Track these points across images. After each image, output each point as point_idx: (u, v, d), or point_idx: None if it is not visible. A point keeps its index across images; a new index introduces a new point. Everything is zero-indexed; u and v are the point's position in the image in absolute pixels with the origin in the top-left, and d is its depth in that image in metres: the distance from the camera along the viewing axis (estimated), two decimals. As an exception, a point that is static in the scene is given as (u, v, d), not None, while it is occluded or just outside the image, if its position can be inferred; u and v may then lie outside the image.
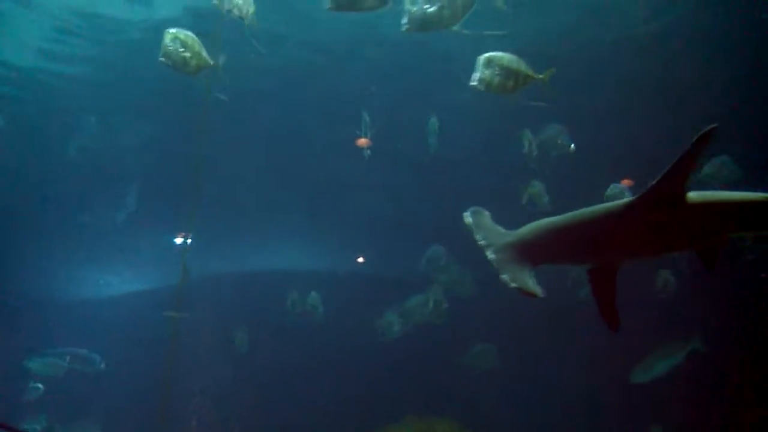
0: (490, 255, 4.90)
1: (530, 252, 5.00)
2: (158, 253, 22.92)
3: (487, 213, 5.47)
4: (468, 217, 5.26)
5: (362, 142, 13.63)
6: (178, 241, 21.61)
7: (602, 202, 5.35)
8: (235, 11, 8.77)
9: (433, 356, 17.72)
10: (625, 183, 9.85)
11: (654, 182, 4.82)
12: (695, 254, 5.36)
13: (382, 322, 15.23)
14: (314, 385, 18.27)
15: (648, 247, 5.30)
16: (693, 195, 4.98)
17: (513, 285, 4.63)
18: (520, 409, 16.95)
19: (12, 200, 19.11)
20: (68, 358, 18.17)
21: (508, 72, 8.12)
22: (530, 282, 4.73)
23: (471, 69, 8.20)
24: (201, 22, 11.21)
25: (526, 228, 5.23)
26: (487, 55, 8.20)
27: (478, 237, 5.08)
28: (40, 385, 17.52)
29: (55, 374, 17.80)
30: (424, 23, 7.70)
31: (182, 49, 8.73)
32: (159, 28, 9.19)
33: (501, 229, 5.27)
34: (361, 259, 22.63)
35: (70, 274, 24.52)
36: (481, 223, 5.30)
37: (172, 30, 8.82)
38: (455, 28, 7.90)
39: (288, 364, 18.58)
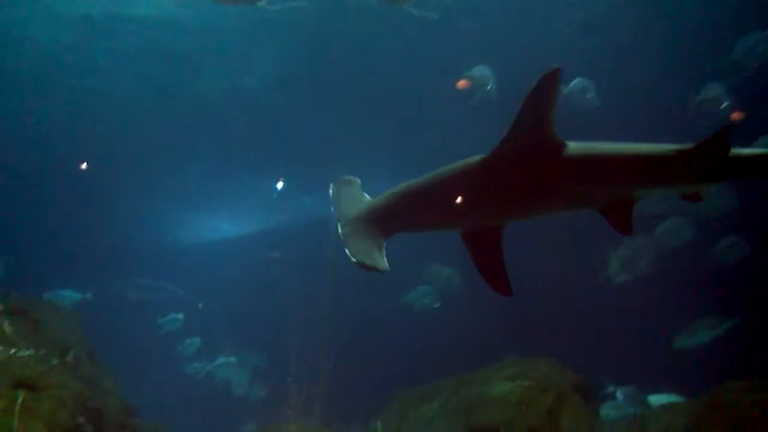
0: (339, 228, 4.57)
1: (383, 221, 4.62)
2: (264, 197, 23.86)
3: (357, 182, 5.13)
4: (331, 188, 4.98)
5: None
6: (279, 185, 22.34)
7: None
8: None
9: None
10: None
11: (506, 133, 4.43)
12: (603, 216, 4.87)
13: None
14: (422, 330, 18.48)
15: (519, 204, 4.83)
16: (573, 146, 4.58)
17: (353, 260, 4.25)
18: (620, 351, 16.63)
19: (130, 149, 20.19)
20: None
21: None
22: (374, 256, 4.31)
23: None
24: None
25: (380, 196, 4.84)
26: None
27: (333, 209, 4.81)
28: (179, 316, 18.65)
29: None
30: None
31: None
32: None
33: (365, 199, 4.95)
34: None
35: (181, 220, 25.84)
36: (341, 194, 4.97)
37: None
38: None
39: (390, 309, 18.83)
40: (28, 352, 9.61)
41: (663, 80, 14.41)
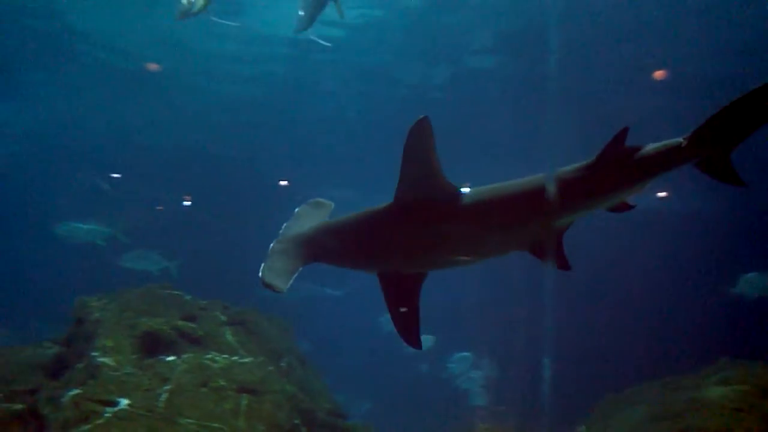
0: (272, 243, 4.66)
1: (309, 249, 4.63)
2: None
3: (328, 206, 5.12)
4: (298, 208, 5.05)
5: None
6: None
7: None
8: None
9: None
10: None
11: (397, 184, 4.34)
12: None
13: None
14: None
15: (423, 253, 4.60)
16: (467, 192, 4.45)
17: (259, 275, 4.28)
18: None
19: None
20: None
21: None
22: (279, 277, 4.29)
23: None
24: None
25: (316, 225, 4.84)
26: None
27: (283, 225, 4.87)
28: None
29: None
30: None
31: None
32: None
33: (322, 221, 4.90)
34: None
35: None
36: (302, 214, 5.03)
37: None
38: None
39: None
40: (248, 359, 10.56)
41: None
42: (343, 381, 21.82)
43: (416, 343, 4.75)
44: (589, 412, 12.64)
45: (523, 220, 4.55)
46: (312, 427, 10.29)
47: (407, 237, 4.58)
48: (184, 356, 10.13)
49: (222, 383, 9.56)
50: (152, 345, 10.25)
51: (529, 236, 4.59)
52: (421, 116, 4.12)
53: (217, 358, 10.28)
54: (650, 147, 4.55)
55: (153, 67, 18.84)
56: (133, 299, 11.45)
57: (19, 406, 10.25)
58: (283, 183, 23.74)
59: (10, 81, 20.92)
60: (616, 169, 4.49)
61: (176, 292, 12.19)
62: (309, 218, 4.99)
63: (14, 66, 19.75)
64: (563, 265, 4.66)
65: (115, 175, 25.95)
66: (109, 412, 8.57)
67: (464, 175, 4.75)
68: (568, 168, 4.57)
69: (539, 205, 4.46)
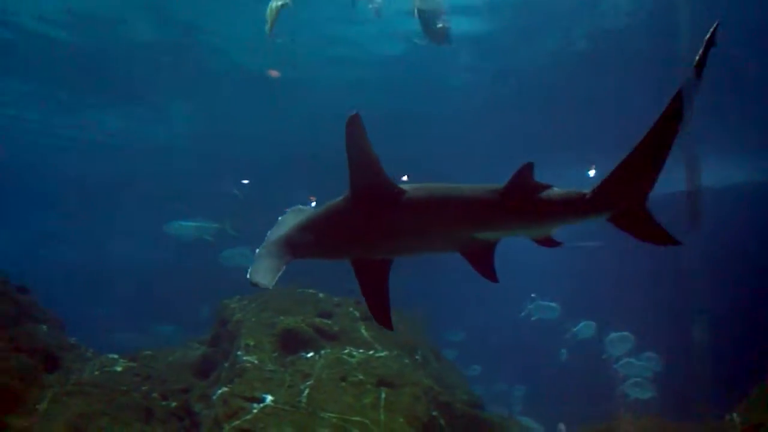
0: (257, 249, 4.92)
1: (290, 246, 4.88)
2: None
3: (308, 210, 5.28)
4: (281, 216, 5.27)
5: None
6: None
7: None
8: None
9: None
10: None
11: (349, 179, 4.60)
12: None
13: None
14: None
15: (380, 243, 4.82)
16: (409, 189, 4.64)
17: (248, 276, 4.52)
18: None
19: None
20: None
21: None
22: (265, 275, 4.55)
23: None
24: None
25: (295, 223, 5.07)
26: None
27: (268, 233, 5.10)
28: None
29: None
30: None
31: None
32: None
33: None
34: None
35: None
36: (283, 221, 5.24)
37: None
38: None
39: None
40: (383, 353, 10.73)
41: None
42: (498, 368, 22.20)
43: (388, 324, 5.00)
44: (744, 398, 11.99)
45: (447, 225, 4.72)
46: (450, 418, 10.31)
47: (359, 227, 4.83)
48: (323, 352, 10.44)
49: (360, 377, 9.76)
50: (291, 342, 10.62)
51: (458, 242, 4.76)
52: (353, 112, 4.29)
53: (354, 352, 10.51)
54: (555, 191, 4.55)
55: (274, 73, 19.42)
56: (270, 299, 11.91)
57: (174, 404, 10.92)
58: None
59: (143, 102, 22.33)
60: (522, 203, 4.55)
61: (310, 291, 12.56)
62: (290, 222, 5.24)
63: (149, 88, 21.01)
64: (490, 276, 4.82)
65: (245, 182, 27.10)
66: (255, 408, 8.96)
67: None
68: (488, 187, 4.66)
69: (469, 215, 4.64)
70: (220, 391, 9.49)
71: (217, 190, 26.69)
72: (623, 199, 4.42)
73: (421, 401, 9.82)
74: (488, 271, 4.81)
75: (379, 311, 5.00)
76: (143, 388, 11.23)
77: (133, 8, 16.50)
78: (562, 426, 19.37)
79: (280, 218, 5.34)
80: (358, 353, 10.54)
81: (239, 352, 10.26)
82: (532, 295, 19.78)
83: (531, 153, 5.23)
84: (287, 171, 25.12)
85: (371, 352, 10.65)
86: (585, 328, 17.68)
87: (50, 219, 35.14)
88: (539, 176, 4.52)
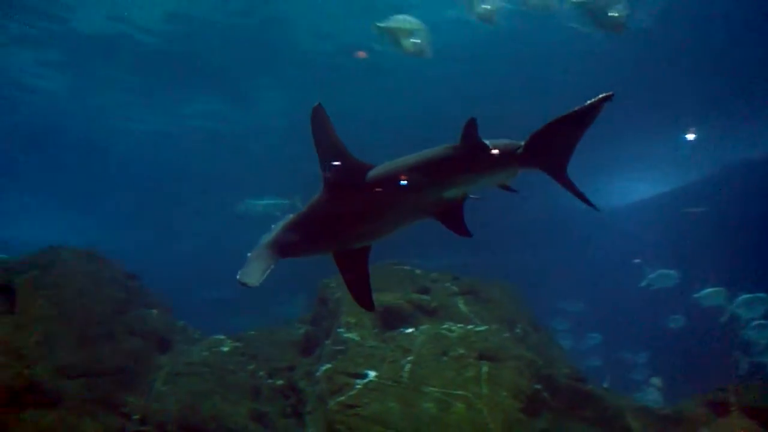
0: (248, 254, 5.23)
1: (276, 247, 5.18)
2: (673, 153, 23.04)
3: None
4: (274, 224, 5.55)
5: None
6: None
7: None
8: None
9: None
10: None
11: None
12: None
13: None
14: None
15: (360, 225, 5.14)
16: (380, 166, 5.03)
17: (237, 277, 4.85)
18: None
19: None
20: None
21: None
22: (253, 275, 4.85)
23: None
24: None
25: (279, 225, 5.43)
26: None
27: (261, 237, 5.40)
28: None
29: None
30: None
31: None
32: None
33: None
34: None
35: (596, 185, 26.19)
36: (276, 227, 5.49)
37: None
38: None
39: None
40: (483, 327, 10.69)
41: None
42: (620, 336, 22.10)
43: (369, 305, 5.37)
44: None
45: (416, 190, 4.98)
46: (554, 392, 10.19)
47: (335, 216, 5.16)
48: (422, 327, 10.49)
49: (461, 352, 9.76)
50: (391, 319, 10.72)
51: (430, 205, 5.04)
52: (315, 104, 4.82)
53: (453, 327, 10.51)
54: (498, 142, 4.91)
55: (361, 54, 19.47)
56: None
57: (280, 382, 11.23)
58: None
59: (236, 87, 22.83)
60: (474, 154, 4.88)
61: (406, 267, 12.62)
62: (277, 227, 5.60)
63: (238, 73, 21.48)
64: (463, 232, 5.09)
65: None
66: (359, 383, 9.10)
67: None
68: (445, 146, 4.98)
69: (424, 178, 4.93)
70: (323, 368, 9.69)
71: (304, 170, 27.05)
72: (546, 158, 4.86)
73: (523, 374, 9.73)
74: (461, 228, 5.09)
75: (362, 296, 5.35)
76: (250, 367, 11.60)
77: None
78: (655, 380, 18.93)
79: (273, 225, 5.62)
80: (458, 328, 10.53)
81: (340, 330, 10.44)
82: (636, 260, 19.40)
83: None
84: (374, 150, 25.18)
85: (470, 327, 10.62)
86: (713, 294, 16.96)
87: (176, 214, 36.26)
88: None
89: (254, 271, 4.96)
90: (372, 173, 5.05)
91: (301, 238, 5.21)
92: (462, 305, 11.37)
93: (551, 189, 5.35)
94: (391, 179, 4.98)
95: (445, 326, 10.56)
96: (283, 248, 5.19)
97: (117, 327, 11.77)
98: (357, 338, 10.20)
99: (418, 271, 12.48)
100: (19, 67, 21.82)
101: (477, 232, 5.03)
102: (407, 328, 10.55)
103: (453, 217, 5.07)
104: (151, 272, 13.97)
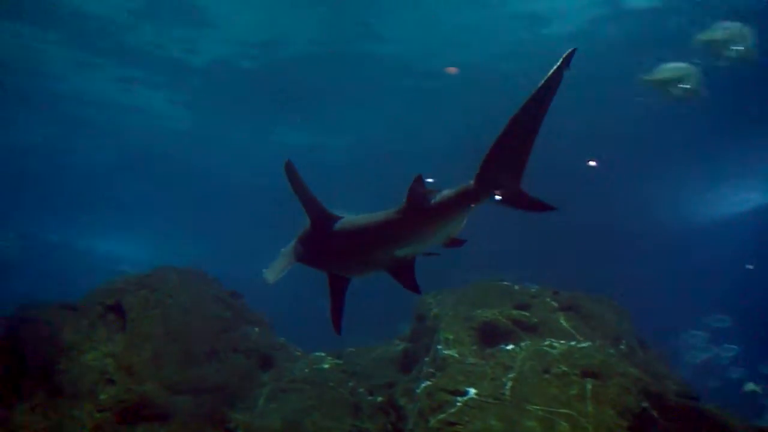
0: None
1: (292, 254, 5.81)
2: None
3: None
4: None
5: None
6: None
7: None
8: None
9: None
10: None
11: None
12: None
13: None
14: None
15: (332, 261, 5.71)
16: (341, 220, 5.53)
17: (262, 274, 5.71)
18: None
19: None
20: None
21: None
22: (272, 273, 5.67)
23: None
24: None
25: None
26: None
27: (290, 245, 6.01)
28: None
29: None
30: None
31: None
32: None
33: None
34: None
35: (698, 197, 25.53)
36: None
37: None
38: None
39: None
40: (585, 344, 10.38)
41: None
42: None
43: (337, 330, 5.98)
44: None
45: (366, 251, 5.40)
46: (663, 410, 9.75)
47: (317, 248, 5.75)
48: (522, 344, 10.28)
49: (564, 369, 9.50)
50: (490, 335, 10.56)
51: (382, 261, 5.37)
52: (285, 160, 5.31)
53: (555, 344, 10.25)
54: (446, 191, 5.06)
55: (452, 70, 19.54)
56: (466, 293, 11.93)
57: (380, 399, 11.24)
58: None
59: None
60: (423, 211, 5.05)
61: (505, 283, 12.43)
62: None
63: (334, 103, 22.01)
64: (414, 289, 5.47)
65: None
66: (459, 401, 9.00)
67: None
68: (392, 209, 5.24)
69: (372, 240, 5.32)
70: (423, 385, 9.63)
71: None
72: (500, 180, 4.85)
73: (630, 392, 9.36)
74: (412, 285, 5.47)
75: (334, 316, 5.97)
76: (350, 384, 11.69)
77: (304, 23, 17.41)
78: (751, 385, 17.87)
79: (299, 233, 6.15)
80: (559, 344, 10.26)
81: (439, 346, 10.37)
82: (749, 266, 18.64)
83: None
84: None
85: (573, 343, 10.33)
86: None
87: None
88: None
89: (273, 271, 5.74)
90: (339, 223, 5.57)
91: (304, 253, 5.85)
92: (563, 321, 11.08)
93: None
94: (345, 238, 5.48)
95: (546, 342, 10.32)
96: (297, 255, 5.84)
97: (221, 345, 12.11)
98: (456, 355, 10.10)
99: (516, 287, 12.27)
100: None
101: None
102: (507, 344, 10.37)
103: (404, 273, 5.42)
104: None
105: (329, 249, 5.62)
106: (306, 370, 12.04)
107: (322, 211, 5.60)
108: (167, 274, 12.79)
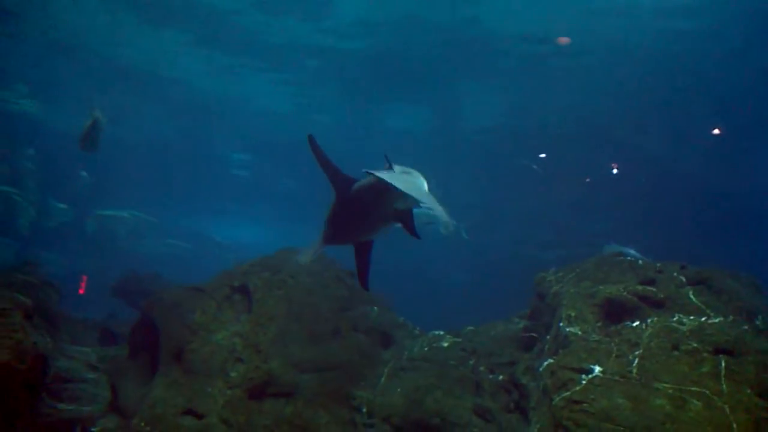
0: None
1: (323, 237, 6.05)
2: None
3: None
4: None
5: None
6: None
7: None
8: None
9: None
10: None
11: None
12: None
13: None
14: None
15: (355, 223, 6.11)
16: (359, 182, 6.01)
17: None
18: None
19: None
20: None
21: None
22: (305, 255, 6.75)
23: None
24: None
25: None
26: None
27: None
28: None
29: None
30: None
31: None
32: None
33: None
34: None
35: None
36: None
37: None
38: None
39: None
40: (717, 319, 9.88)
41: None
42: None
43: (364, 286, 6.44)
44: None
45: (377, 203, 5.97)
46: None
47: (342, 216, 6.08)
48: (649, 320, 9.90)
49: (695, 345, 9.09)
50: (614, 311, 10.24)
51: (390, 213, 6.09)
52: (308, 135, 5.75)
53: (684, 320, 9.82)
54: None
55: (563, 40, 19.04)
56: (587, 269, 11.62)
57: (501, 377, 11.17)
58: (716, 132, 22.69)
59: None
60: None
61: (629, 258, 12.02)
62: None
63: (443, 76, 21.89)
64: (413, 234, 6.32)
65: (542, 156, 27.11)
66: (584, 378, 8.79)
67: None
68: (386, 169, 6.01)
69: (379, 194, 5.87)
70: (546, 363, 9.47)
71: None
72: None
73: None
74: (411, 231, 6.30)
75: (361, 276, 6.44)
76: (470, 362, 11.66)
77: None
78: None
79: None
80: (689, 320, 9.82)
81: (562, 324, 10.15)
82: None
83: None
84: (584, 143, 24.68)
85: (703, 319, 9.85)
86: None
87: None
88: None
89: (307, 253, 6.55)
90: (354, 187, 6.03)
91: (329, 231, 6.16)
92: (692, 296, 10.56)
93: None
94: (363, 194, 5.97)
95: (675, 318, 9.89)
96: (325, 236, 6.16)
97: (342, 324, 12.36)
98: (579, 332, 9.86)
99: (640, 262, 11.82)
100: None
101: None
102: (633, 320, 10.01)
103: (406, 222, 6.24)
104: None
105: (353, 209, 6.07)
106: (426, 349, 12.09)
107: (346, 179, 6.07)
108: (289, 256, 13.17)
